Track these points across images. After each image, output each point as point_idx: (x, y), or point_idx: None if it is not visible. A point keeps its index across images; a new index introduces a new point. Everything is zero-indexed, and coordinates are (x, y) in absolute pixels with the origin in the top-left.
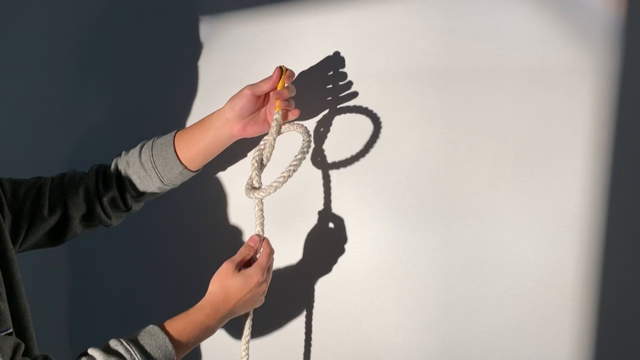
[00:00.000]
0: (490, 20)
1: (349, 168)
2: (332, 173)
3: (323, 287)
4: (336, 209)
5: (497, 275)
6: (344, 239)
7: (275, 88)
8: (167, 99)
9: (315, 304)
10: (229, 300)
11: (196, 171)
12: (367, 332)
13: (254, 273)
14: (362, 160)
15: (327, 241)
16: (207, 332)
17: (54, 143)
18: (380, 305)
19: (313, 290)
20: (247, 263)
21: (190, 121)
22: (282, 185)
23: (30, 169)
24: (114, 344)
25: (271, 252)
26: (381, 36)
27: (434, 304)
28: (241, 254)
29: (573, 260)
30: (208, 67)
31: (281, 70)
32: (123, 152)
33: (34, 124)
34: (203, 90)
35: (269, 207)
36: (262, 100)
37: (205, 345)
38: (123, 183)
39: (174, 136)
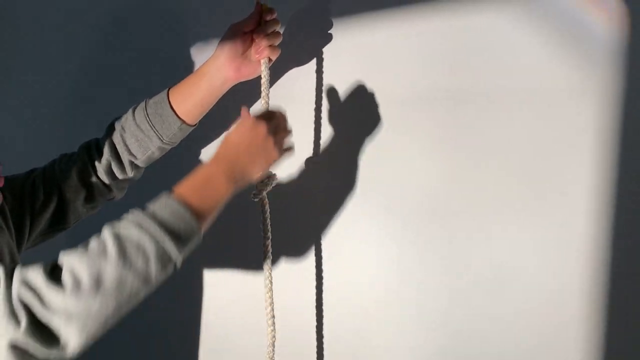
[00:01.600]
0: (494, 42)
1: (355, 189)
2: (336, 194)
3: (328, 308)
4: (340, 229)
5: (504, 295)
6: (347, 259)
7: (258, 24)
8: None
9: (324, 328)
10: (227, 146)
11: (194, 125)
12: (376, 354)
13: (245, 115)
14: (368, 181)
15: (331, 265)
16: (213, 187)
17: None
18: (385, 328)
19: (319, 314)
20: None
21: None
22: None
23: None
24: (125, 216)
25: (270, 112)
26: (387, 59)
27: (440, 325)
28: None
29: (579, 280)
30: None
31: (261, 6)
32: (115, 121)
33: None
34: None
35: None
36: (249, 39)
37: None
38: (119, 150)
39: (168, 92)
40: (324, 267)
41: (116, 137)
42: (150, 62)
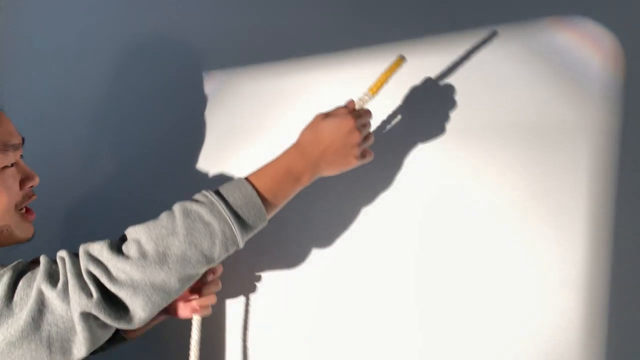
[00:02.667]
0: (493, 78)
1: (350, 223)
2: (335, 229)
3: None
4: (337, 258)
5: (501, 331)
6: (343, 287)
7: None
8: (176, 152)
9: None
10: (317, 144)
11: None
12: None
13: (346, 114)
14: (362, 214)
15: (326, 270)
16: (292, 180)
17: (72, 192)
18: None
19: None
20: None
21: (197, 172)
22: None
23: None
24: (194, 195)
25: (369, 114)
26: (385, 92)
27: (443, 346)
28: (334, 109)
29: (577, 316)
30: (215, 120)
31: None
32: None
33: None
34: (210, 143)
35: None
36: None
37: None
38: None
39: None
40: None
41: None
42: (158, 113)
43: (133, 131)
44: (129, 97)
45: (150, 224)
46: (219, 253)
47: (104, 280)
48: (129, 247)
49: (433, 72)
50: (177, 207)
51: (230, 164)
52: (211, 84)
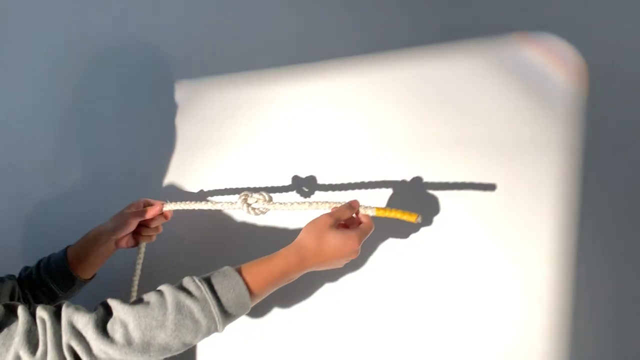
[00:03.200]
0: (459, 92)
1: None
2: None
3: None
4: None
5: (467, 338)
6: (341, 301)
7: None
8: (144, 161)
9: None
10: (318, 255)
11: (91, 279)
12: None
13: (354, 236)
14: None
15: (322, 304)
16: (284, 281)
17: (38, 200)
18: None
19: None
20: (340, 227)
21: (165, 182)
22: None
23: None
24: (186, 281)
25: (372, 226)
26: (354, 105)
27: (418, 354)
28: (340, 211)
29: (541, 322)
30: (185, 129)
31: (162, 206)
32: (23, 273)
33: (18, 182)
34: (179, 152)
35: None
36: (136, 223)
37: None
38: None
39: (66, 254)
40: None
41: (27, 288)
42: (132, 99)
43: (100, 139)
44: (96, 105)
45: (141, 309)
46: (198, 341)
47: (84, 357)
48: (114, 329)
49: (400, 87)
50: (169, 297)
51: (200, 174)
52: (180, 93)
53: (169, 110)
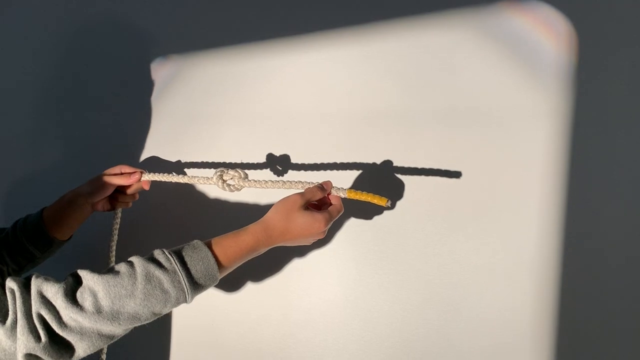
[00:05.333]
0: (447, 62)
1: None
2: None
3: (286, 325)
4: (302, 248)
5: (457, 314)
6: (309, 278)
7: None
8: (134, 135)
9: (277, 343)
10: (285, 234)
11: (67, 240)
12: None
13: (321, 218)
14: None
15: (290, 278)
16: (252, 255)
17: (18, 177)
18: (343, 344)
19: (276, 328)
20: (311, 206)
21: (153, 159)
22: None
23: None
24: (156, 253)
25: (341, 209)
26: (344, 78)
27: (395, 342)
28: (311, 192)
29: (530, 298)
30: (172, 105)
31: (140, 175)
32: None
33: None
34: (169, 127)
35: None
36: (113, 188)
37: None
38: (10, 260)
39: (42, 216)
40: (292, 282)
41: (4, 249)
42: (113, 75)
43: (86, 117)
44: (83, 82)
45: (110, 279)
46: (167, 311)
47: (54, 325)
48: (84, 297)
49: (388, 57)
50: (139, 268)
51: (188, 150)
52: (167, 69)
53: (156, 87)
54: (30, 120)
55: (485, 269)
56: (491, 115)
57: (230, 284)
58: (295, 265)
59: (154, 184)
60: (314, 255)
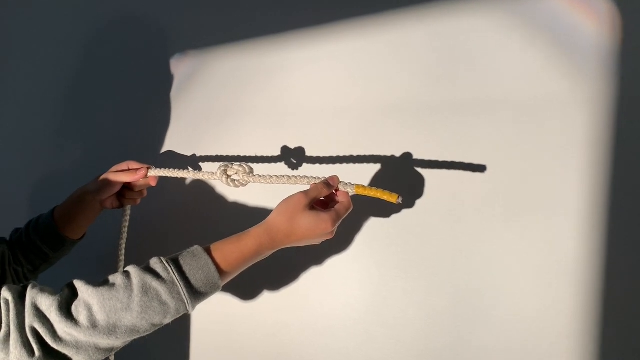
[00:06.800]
0: (480, 51)
1: None
2: None
3: (305, 332)
4: (320, 251)
5: (487, 321)
6: (329, 282)
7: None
8: (153, 132)
9: (296, 350)
10: (290, 236)
11: (80, 239)
12: None
13: (328, 219)
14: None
15: (309, 283)
16: (256, 260)
17: (40, 177)
18: (366, 353)
19: (295, 335)
20: (319, 203)
21: (173, 155)
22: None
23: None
24: (153, 262)
25: (350, 206)
26: (363, 69)
27: (422, 352)
28: (317, 189)
29: (566, 304)
30: (192, 101)
31: (147, 171)
32: (13, 235)
33: (21, 160)
34: (188, 122)
35: None
36: (120, 185)
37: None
38: (26, 261)
39: (53, 215)
40: (307, 286)
41: (18, 250)
42: (135, 73)
43: (107, 114)
44: (103, 79)
45: (105, 292)
46: (168, 321)
47: (48, 339)
48: (79, 311)
49: (409, 48)
50: (135, 279)
51: (208, 146)
52: (187, 64)
53: (176, 82)
54: (53, 119)
55: (519, 272)
56: (523, 106)
57: (248, 289)
58: (314, 270)
59: (166, 180)
60: (334, 259)
